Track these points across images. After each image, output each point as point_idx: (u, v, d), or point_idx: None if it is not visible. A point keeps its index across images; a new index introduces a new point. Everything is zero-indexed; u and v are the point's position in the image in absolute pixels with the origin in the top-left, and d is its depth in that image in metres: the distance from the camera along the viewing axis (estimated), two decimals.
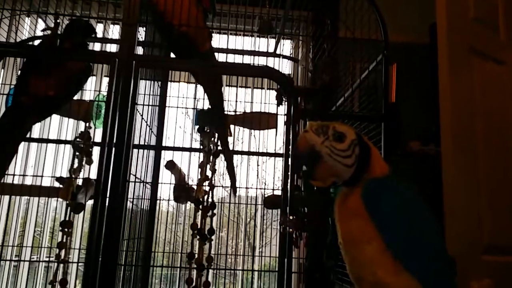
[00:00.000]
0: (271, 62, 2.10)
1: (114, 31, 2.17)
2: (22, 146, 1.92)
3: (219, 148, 1.64)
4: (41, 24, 2.11)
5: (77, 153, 1.59)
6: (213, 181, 1.60)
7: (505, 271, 1.34)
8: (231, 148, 1.79)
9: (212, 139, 1.65)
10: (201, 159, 1.63)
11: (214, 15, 1.85)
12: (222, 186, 1.73)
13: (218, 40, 2.00)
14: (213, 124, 1.64)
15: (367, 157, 0.96)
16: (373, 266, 0.90)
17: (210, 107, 1.70)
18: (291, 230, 1.42)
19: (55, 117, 1.89)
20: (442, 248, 0.94)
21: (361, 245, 0.92)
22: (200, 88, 1.78)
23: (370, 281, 0.91)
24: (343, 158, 0.93)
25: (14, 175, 1.66)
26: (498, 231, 1.41)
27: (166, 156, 1.88)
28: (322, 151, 0.94)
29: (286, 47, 2.34)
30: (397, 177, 0.99)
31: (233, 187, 1.67)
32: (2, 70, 2.12)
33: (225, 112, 1.73)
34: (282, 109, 1.70)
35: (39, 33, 2.00)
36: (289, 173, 1.46)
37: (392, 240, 0.90)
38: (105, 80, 2.08)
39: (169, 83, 1.98)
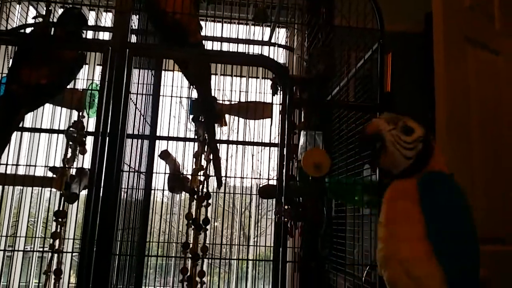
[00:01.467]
0: (266, 50, 2.09)
1: (107, 19, 2.14)
2: (14, 135, 1.89)
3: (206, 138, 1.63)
4: (32, 11, 2.08)
5: (70, 143, 1.58)
6: (207, 171, 1.59)
7: (499, 260, 1.35)
8: (226, 137, 1.78)
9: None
10: (196, 149, 1.62)
11: (208, 3, 1.83)
12: (216, 176, 1.72)
13: (212, 29, 1.98)
14: (207, 113, 1.63)
15: (428, 156, 1.00)
16: (407, 245, 0.94)
17: (197, 97, 1.68)
18: (286, 219, 1.42)
19: (48, 106, 1.87)
20: (477, 255, 0.96)
21: (402, 224, 0.96)
22: None
23: (399, 258, 0.94)
24: (404, 149, 0.99)
25: (6, 165, 1.64)
26: (493, 220, 1.42)
27: (160, 145, 1.87)
28: (386, 137, 0.99)
29: (281, 35, 2.32)
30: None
31: (218, 178, 1.66)
32: None
33: (219, 102, 1.71)
34: (277, 98, 1.69)
35: (30, 20, 1.97)
36: (284, 163, 1.46)
37: (435, 231, 0.93)
38: (98, 68, 2.05)
39: (163, 72, 1.96)
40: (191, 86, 1.73)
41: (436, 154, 1.01)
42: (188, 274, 1.51)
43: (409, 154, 0.98)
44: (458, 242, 0.94)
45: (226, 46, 2.03)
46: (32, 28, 1.76)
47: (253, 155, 2.24)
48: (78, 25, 1.59)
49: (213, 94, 1.70)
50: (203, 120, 1.64)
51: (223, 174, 1.69)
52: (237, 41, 2.02)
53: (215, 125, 1.65)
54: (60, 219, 1.51)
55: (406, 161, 0.99)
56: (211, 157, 1.61)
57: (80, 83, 1.80)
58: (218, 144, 1.68)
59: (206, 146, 1.62)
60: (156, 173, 1.80)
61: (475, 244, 0.96)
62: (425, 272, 0.91)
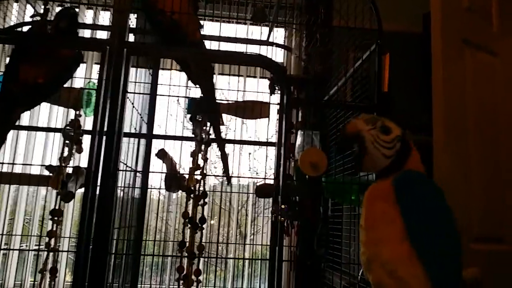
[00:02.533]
0: (264, 50, 2.09)
1: (105, 18, 2.14)
2: (11, 134, 1.89)
3: (212, 137, 1.63)
4: (30, 10, 2.07)
5: (67, 142, 1.58)
6: (204, 170, 1.59)
7: (493, 259, 1.36)
8: (223, 137, 1.78)
9: (204, 127, 1.63)
10: (193, 148, 1.62)
11: (207, 2, 1.83)
12: (214, 175, 1.72)
13: (211, 28, 1.98)
14: (206, 113, 1.63)
15: (406, 155, 1.02)
16: (388, 247, 0.94)
17: (202, 96, 1.68)
18: (282, 218, 1.42)
19: (45, 105, 1.87)
20: (458, 251, 0.96)
21: (381, 226, 0.97)
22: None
23: (381, 260, 0.94)
24: (384, 148, 1.00)
25: (3, 163, 1.64)
26: (488, 220, 1.42)
27: (157, 144, 1.87)
28: (366, 137, 1.00)
29: (279, 35, 2.32)
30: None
31: (227, 176, 1.67)
32: None
33: (217, 101, 1.71)
34: (275, 98, 1.69)
35: (28, 19, 1.96)
36: (281, 162, 1.46)
37: (413, 228, 0.93)
38: (96, 67, 2.05)
39: (160, 71, 1.96)
40: (187, 86, 1.72)
41: (413, 155, 1.03)
42: (185, 272, 1.51)
43: (388, 153, 1.00)
44: (437, 241, 0.94)
45: (224, 46, 2.03)
46: (30, 26, 1.75)
47: (250, 154, 2.24)
48: (71, 23, 1.58)
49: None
50: (204, 119, 1.63)
51: (220, 173, 1.70)
52: (235, 40, 2.02)
53: (220, 123, 1.65)
54: (56, 218, 1.50)
55: (386, 160, 1.00)
56: (219, 155, 1.62)
57: (78, 81, 1.80)
58: (215, 143, 1.68)
59: (203, 145, 1.61)
60: (153, 172, 1.80)
61: (455, 241, 0.96)
62: (408, 273, 0.91)
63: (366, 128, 1.01)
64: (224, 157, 1.64)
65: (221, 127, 1.72)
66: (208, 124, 1.64)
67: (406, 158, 1.01)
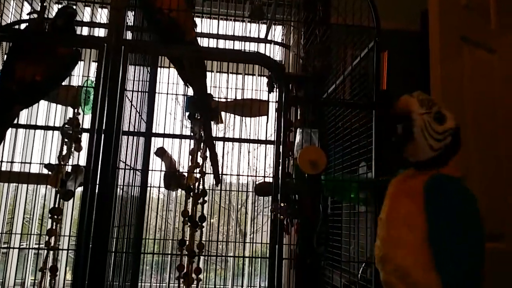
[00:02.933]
0: (262, 48, 2.09)
1: (102, 15, 2.13)
2: (9, 132, 1.89)
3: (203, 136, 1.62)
4: (27, 7, 2.06)
5: (65, 140, 1.57)
6: (204, 168, 1.59)
7: (493, 258, 1.36)
8: (222, 135, 1.78)
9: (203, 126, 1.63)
10: (192, 146, 1.62)
11: (204, 0, 1.82)
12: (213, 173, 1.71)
13: (208, 26, 1.97)
14: (200, 111, 1.63)
15: (453, 152, 0.93)
16: (404, 251, 0.89)
17: (195, 95, 1.68)
18: (282, 217, 1.42)
19: (43, 103, 1.86)
20: (480, 266, 0.91)
21: (402, 227, 0.90)
22: None
23: (395, 263, 0.89)
24: (433, 138, 0.90)
25: (1, 162, 1.63)
26: (488, 218, 1.43)
27: (156, 143, 1.87)
28: (416, 120, 0.90)
29: (278, 33, 2.32)
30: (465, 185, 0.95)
31: (216, 176, 1.65)
32: None
33: (215, 99, 1.71)
34: (274, 96, 1.69)
35: (25, 16, 1.95)
36: (280, 160, 1.46)
37: (437, 236, 0.87)
38: (94, 65, 2.04)
39: (159, 68, 1.95)
40: (186, 84, 1.72)
41: (459, 154, 0.95)
42: (185, 271, 1.52)
43: (436, 146, 0.90)
44: (458, 250, 0.88)
45: (222, 43, 2.03)
46: (27, 24, 1.74)
47: (249, 152, 2.24)
48: (68, 22, 1.57)
49: (209, 92, 1.70)
50: (199, 117, 1.63)
51: (219, 171, 1.69)
52: (233, 38, 2.02)
53: (211, 123, 1.65)
54: (55, 216, 1.50)
55: (431, 152, 0.91)
56: (208, 155, 1.61)
57: (75, 79, 1.79)
58: (214, 141, 1.68)
59: (202, 144, 1.61)
60: (152, 170, 1.80)
61: (478, 253, 0.90)
62: (422, 279, 0.87)
63: (419, 110, 0.90)
64: (213, 157, 1.63)
65: (220, 125, 1.72)
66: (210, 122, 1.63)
67: (451, 156, 0.92)
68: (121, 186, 1.55)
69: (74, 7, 1.71)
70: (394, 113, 0.94)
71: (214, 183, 1.69)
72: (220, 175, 1.69)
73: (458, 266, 0.88)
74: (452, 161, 0.93)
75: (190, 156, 1.61)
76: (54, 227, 1.50)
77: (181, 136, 1.84)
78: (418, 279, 0.87)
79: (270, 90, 1.72)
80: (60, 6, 1.68)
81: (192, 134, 1.65)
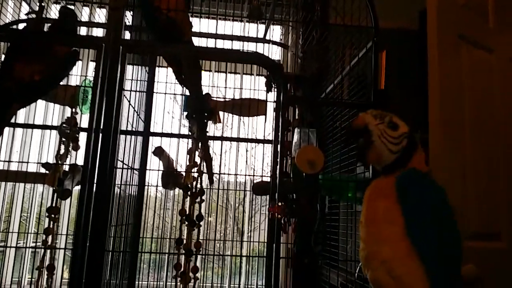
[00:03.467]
0: (261, 48, 2.09)
1: (101, 15, 2.13)
2: (7, 131, 1.89)
3: (209, 135, 1.62)
4: (25, 7, 2.06)
5: (63, 139, 1.57)
6: (201, 168, 1.59)
7: (488, 256, 1.36)
8: (220, 134, 1.77)
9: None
10: (190, 146, 1.62)
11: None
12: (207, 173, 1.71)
13: (207, 25, 1.98)
14: (196, 112, 1.63)
15: (411, 152, 1.02)
16: (387, 246, 0.94)
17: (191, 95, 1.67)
18: (279, 216, 1.42)
19: (41, 103, 1.86)
20: (458, 251, 0.96)
21: (382, 224, 0.97)
22: None
23: (380, 259, 0.94)
24: (390, 143, 1.00)
25: None
26: (485, 218, 1.43)
27: (154, 142, 1.87)
28: (373, 131, 1.01)
29: (276, 33, 2.32)
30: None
31: (210, 176, 1.65)
32: None
33: (213, 99, 1.71)
34: (272, 96, 1.69)
35: (23, 16, 1.95)
36: (278, 160, 1.46)
37: (413, 227, 0.93)
38: (92, 64, 2.05)
39: (156, 68, 1.95)
40: (182, 84, 1.72)
41: (418, 153, 1.03)
42: (182, 269, 1.52)
43: (395, 149, 1.00)
44: (437, 241, 0.94)
45: (220, 43, 2.03)
46: (25, 24, 1.74)
47: (247, 151, 2.25)
48: (66, 22, 1.57)
49: (206, 91, 1.70)
50: (195, 117, 1.63)
51: (217, 170, 1.69)
52: (231, 38, 2.02)
53: (206, 123, 1.64)
54: (53, 215, 1.50)
55: (391, 155, 1.01)
56: (203, 155, 1.61)
57: (74, 79, 1.79)
58: (212, 141, 1.68)
59: (199, 143, 1.61)
60: (150, 169, 1.80)
61: (456, 241, 0.97)
62: (406, 271, 0.92)
63: (374, 122, 1.01)
64: (207, 157, 1.63)
65: (218, 124, 1.72)
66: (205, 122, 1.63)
67: (411, 155, 1.01)
68: (119, 185, 1.55)
69: (72, 7, 1.71)
70: (354, 129, 1.05)
71: (209, 182, 1.68)
72: (218, 174, 1.69)
73: (438, 255, 0.93)
74: (416, 159, 1.02)
75: (188, 155, 1.61)
76: (51, 226, 1.50)
77: (179, 136, 1.84)
78: (403, 271, 0.92)
79: (268, 90, 1.72)
80: (58, 6, 1.68)
81: (190, 133, 1.65)
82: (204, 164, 1.60)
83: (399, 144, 1.00)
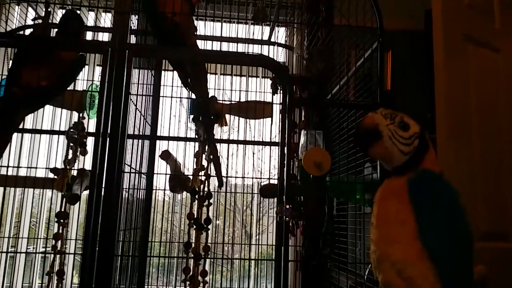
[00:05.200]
0: (266, 50, 2.09)
1: (106, 20, 2.14)
2: (15, 137, 1.90)
3: (216, 137, 1.62)
4: (31, 13, 2.08)
5: (71, 144, 1.58)
6: (209, 171, 1.59)
7: (499, 257, 1.36)
8: (226, 137, 1.77)
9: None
10: (197, 149, 1.62)
11: (208, 2, 1.83)
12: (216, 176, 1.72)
13: (212, 28, 1.98)
14: (203, 115, 1.63)
15: (423, 153, 1.00)
16: (399, 247, 0.93)
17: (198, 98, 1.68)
18: (287, 219, 1.42)
19: (48, 108, 1.87)
20: (470, 253, 0.95)
21: (393, 225, 0.95)
22: None
23: (391, 260, 0.93)
24: (401, 144, 0.98)
25: (8, 166, 1.65)
26: (493, 218, 1.42)
27: (161, 146, 1.87)
28: (384, 131, 0.98)
29: (281, 34, 2.32)
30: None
31: (219, 179, 1.65)
32: None
33: (219, 101, 1.71)
34: (277, 98, 1.69)
35: (29, 22, 1.97)
36: (285, 162, 1.46)
37: (425, 229, 0.92)
38: (98, 69, 2.06)
39: (163, 72, 1.96)
40: (187, 88, 1.72)
41: (430, 154, 1.01)
42: (191, 273, 1.52)
43: (406, 150, 0.98)
44: (450, 242, 0.93)
45: (225, 46, 2.03)
46: (32, 29, 1.75)
47: (254, 154, 2.25)
48: (74, 26, 1.58)
49: (212, 94, 1.70)
50: (202, 120, 1.63)
51: (224, 173, 1.69)
52: (236, 40, 2.02)
53: (213, 126, 1.65)
54: (62, 220, 1.51)
55: (402, 156, 0.98)
56: (211, 158, 1.61)
57: (80, 84, 1.80)
58: (219, 144, 1.68)
59: (206, 146, 1.62)
60: (157, 173, 1.80)
61: (467, 243, 0.96)
62: (417, 273, 0.91)
63: (384, 122, 0.99)
64: (216, 161, 1.63)
65: (225, 127, 1.72)
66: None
67: (423, 156, 0.99)
68: (127, 189, 1.56)
69: (78, 11, 1.72)
70: (363, 129, 1.03)
71: (218, 185, 1.68)
72: (225, 177, 1.69)
73: (450, 257, 0.92)
74: (428, 159, 1.00)
75: (195, 159, 1.61)
76: (60, 231, 1.51)
77: (185, 139, 1.84)
78: (414, 273, 0.91)
79: (274, 92, 1.72)
80: (64, 11, 1.69)
81: (196, 136, 1.65)
82: (212, 167, 1.60)
83: (411, 145, 0.98)
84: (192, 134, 1.79)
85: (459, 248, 0.94)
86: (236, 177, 1.78)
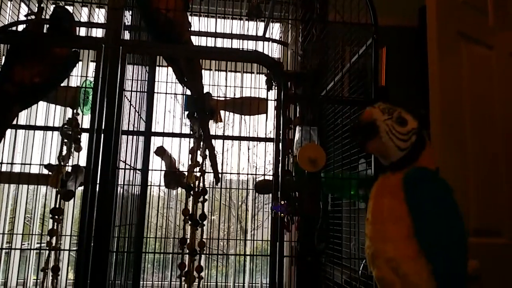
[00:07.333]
0: (260, 46, 2.09)
1: (100, 16, 2.13)
2: (9, 133, 1.89)
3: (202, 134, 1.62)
4: (24, 9, 2.06)
5: (65, 140, 1.58)
6: (204, 167, 1.60)
7: (491, 252, 1.37)
8: (221, 132, 1.77)
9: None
10: (192, 145, 1.62)
11: None
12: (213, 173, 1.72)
13: (206, 24, 1.97)
14: (198, 111, 1.63)
15: (420, 149, 0.99)
16: (394, 244, 0.94)
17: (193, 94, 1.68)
18: (282, 214, 1.43)
19: (42, 104, 1.86)
20: (464, 250, 0.96)
21: (388, 222, 0.96)
22: None
23: (386, 257, 0.94)
24: (398, 139, 0.97)
25: (1, 163, 1.64)
26: (486, 213, 1.44)
27: (156, 142, 1.87)
28: (381, 126, 0.98)
29: (275, 30, 2.32)
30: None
31: (216, 175, 1.66)
32: None
33: (214, 97, 1.71)
34: (272, 94, 1.70)
35: (22, 18, 1.95)
36: (280, 158, 1.47)
37: (420, 226, 0.93)
38: (92, 65, 2.05)
39: (157, 68, 1.95)
40: (182, 84, 1.72)
41: (427, 150, 1.01)
42: (186, 269, 1.52)
43: (403, 145, 0.97)
44: (445, 239, 0.94)
45: (220, 42, 2.03)
46: (24, 25, 1.74)
47: (249, 150, 2.25)
48: (65, 22, 1.57)
49: (206, 90, 1.70)
50: (197, 116, 1.63)
51: (219, 169, 1.69)
52: (231, 36, 2.02)
53: (209, 122, 1.65)
54: (56, 216, 1.51)
55: (399, 152, 0.98)
56: (207, 154, 1.61)
57: (74, 80, 1.79)
58: (214, 140, 1.68)
59: (201, 142, 1.62)
60: (152, 169, 1.80)
61: (462, 241, 0.96)
62: (412, 270, 0.91)
63: (382, 117, 0.98)
64: (212, 157, 1.63)
65: (220, 123, 1.72)
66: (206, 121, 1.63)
67: (420, 152, 0.99)
68: (122, 185, 1.55)
69: (72, 7, 1.71)
70: (360, 124, 1.02)
71: (215, 181, 1.69)
72: (220, 173, 1.69)
73: (445, 254, 0.93)
74: (425, 156, 1.00)
75: (190, 155, 1.61)
76: (55, 227, 1.50)
77: (180, 135, 1.84)
78: (409, 270, 0.92)
79: (268, 88, 1.72)
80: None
81: (191, 132, 1.65)
82: (208, 163, 1.60)
83: (408, 141, 0.97)
84: (187, 130, 1.79)
85: (453, 246, 0.95)
86: (231, 173, 1.78)
